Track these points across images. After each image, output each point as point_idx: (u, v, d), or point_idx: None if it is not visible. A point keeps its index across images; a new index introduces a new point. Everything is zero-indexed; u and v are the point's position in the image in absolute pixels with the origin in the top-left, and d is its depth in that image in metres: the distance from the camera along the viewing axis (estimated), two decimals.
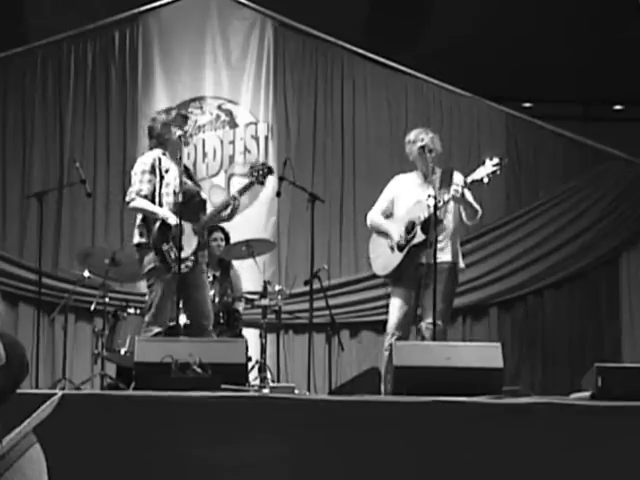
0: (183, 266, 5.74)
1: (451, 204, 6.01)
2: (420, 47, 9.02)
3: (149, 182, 5.90)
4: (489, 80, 9.20)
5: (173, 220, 5.78)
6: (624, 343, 8.77)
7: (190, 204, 5.89)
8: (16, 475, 2.16)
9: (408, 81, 8.96)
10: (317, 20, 8.75)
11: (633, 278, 8.89)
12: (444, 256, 6.00)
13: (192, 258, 5.84)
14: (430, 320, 5.81)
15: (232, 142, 8.75)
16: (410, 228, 6.03)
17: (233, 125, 8.79)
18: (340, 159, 8.88)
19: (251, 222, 8.30)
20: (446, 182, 5.98)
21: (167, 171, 5.93)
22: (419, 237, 5.95)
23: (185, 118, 6.31)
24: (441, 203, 5.85)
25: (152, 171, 5.91)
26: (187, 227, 5.86)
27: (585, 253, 8.91)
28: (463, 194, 5.90)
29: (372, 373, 5.76)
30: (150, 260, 5.84)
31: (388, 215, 6.29)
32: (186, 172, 6.06)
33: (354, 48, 8.88)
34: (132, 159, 8.50)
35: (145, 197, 5.88)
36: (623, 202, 8.95)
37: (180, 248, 5.71)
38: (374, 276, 8.16)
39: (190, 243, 5.85)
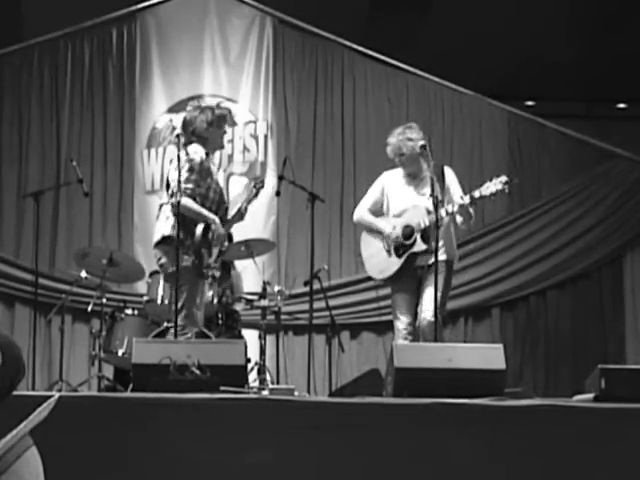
0: (209, 272, 5.82)
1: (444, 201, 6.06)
2: (421, 45, 8.99)
3: (194, 182, 5.76)
4: (491, 78, 9.19)
5: (221, 229, 5.75)
6: (628, 344, 8.74)
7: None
8: (12, 478, 2.11)
9: (409, 79, 8.92)
10: (317, 17, 8.71)
11: (637, 278, 8.86)
12: (441, 255, 6.02)
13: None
14: (426, 315, 5.90)
15: (231, 141, 8.67)
16: (409, 234, 6.07)
17: (232, 124, 8.72)
18: (340, 158, 8.83)
19: (250, 222, 8.23)
20: (441, 181, 6.04)
21: (209, 173, 5.84)
22: (419, 246, 6.04)
23: (226, 118, 6.06)
24: (445, 214, 5.91)
25: (200, 171, 5.78)
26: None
27: (588, 253, 8.87)
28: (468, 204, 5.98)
29: (373, 375, 5.74)
30: (187, 259, 5.71)
31: (377, 212, 6.32)
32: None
33: (354, 46, 8.84)
34: (130, 158, 8.53)
35: (192, 197, 5.74)
36: (627, 201, 8.92)
37: (211, 254, 5.76)
38: None
39: (214, 251, 5.83)
